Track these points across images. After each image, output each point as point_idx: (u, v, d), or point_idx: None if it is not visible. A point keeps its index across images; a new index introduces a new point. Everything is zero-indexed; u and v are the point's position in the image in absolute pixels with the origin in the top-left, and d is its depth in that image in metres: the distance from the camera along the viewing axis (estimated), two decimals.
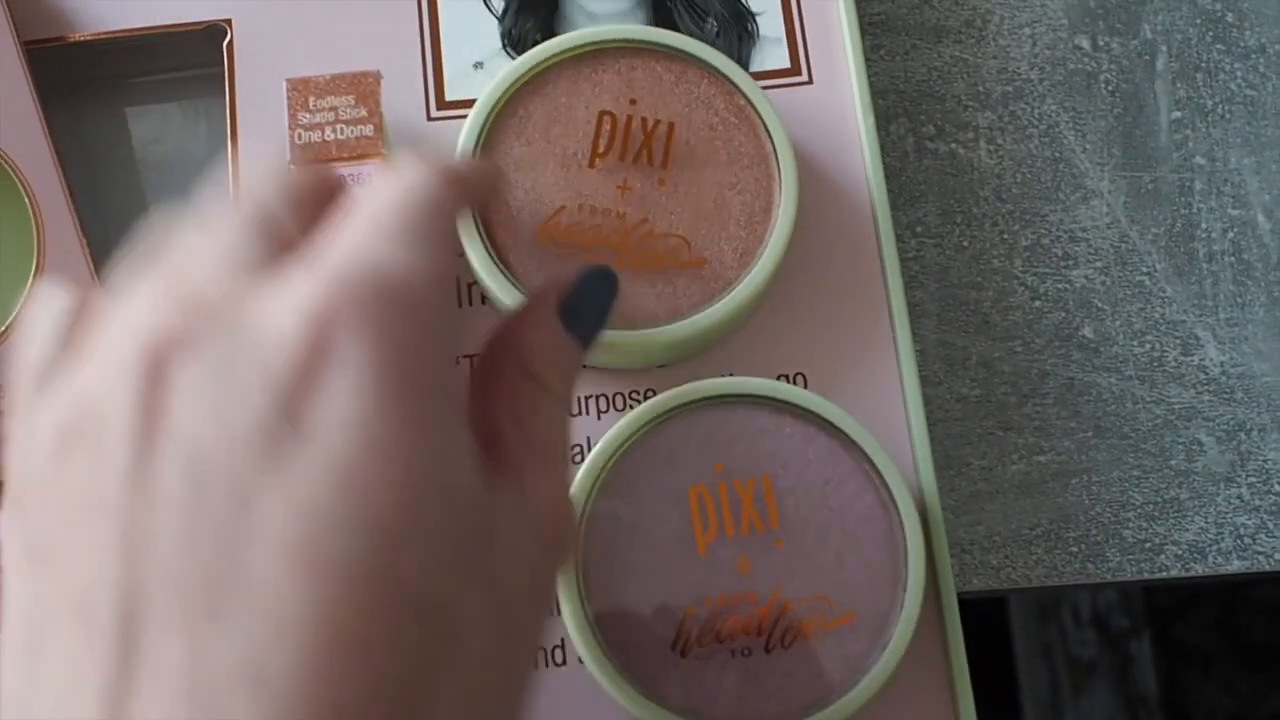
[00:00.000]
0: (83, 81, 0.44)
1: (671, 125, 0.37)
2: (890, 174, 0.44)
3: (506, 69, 0.38)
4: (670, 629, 0.34)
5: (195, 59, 0.43)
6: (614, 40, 0.38)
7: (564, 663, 0.36)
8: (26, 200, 0.39)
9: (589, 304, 0.30)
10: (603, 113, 0.37)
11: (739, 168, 0.37)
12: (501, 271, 0.36)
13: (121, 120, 0.45)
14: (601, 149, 0.37)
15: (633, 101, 0.37)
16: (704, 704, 0.34)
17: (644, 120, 0.37)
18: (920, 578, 0.34)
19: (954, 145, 0.45)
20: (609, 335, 0.34)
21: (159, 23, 0.43)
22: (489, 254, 0.36)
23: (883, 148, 0.43)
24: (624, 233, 0.36)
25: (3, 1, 0.41)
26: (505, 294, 0.36)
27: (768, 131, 0.38)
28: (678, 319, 0.36)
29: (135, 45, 0.43)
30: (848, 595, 0.34)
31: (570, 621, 0.34)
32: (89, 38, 0.43)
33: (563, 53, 0.38)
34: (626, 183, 0.36)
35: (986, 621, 0.91)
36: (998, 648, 0.90)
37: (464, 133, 0.37)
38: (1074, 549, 0.41)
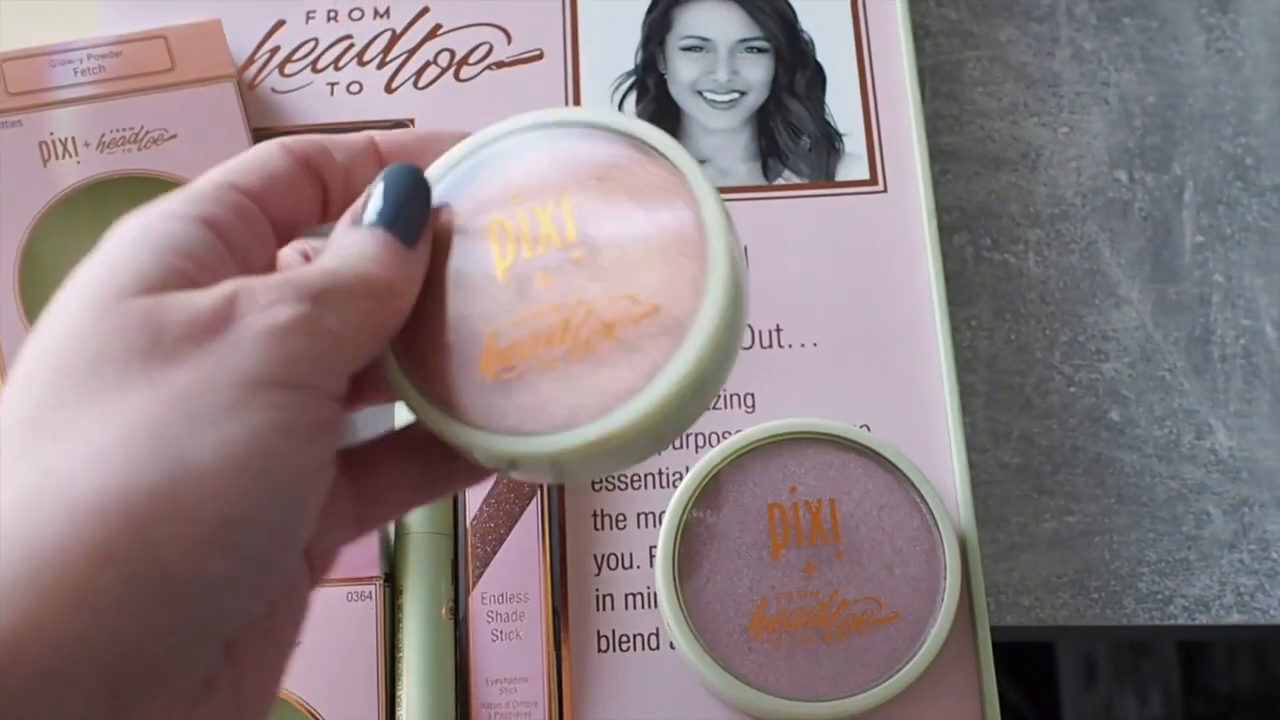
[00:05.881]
0: None
1: None
2: (951, 276, 0.52)
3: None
4: (746, 618, 0.42)
5: None
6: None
7: (658, 647, 0.44)
8: None
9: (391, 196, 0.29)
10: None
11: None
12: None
13: None
14: None
15: None
16: (772, 680, 0.41)
17: None
18: (956, 590, 0.42)
19: (1007, 255, 0.54)
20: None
21: (349, 119, 0.53)
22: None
23: (945, 255, 0.51)
24: None
25: (239, 96, 0.51)
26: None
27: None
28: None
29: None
30: (894, 599, 0.42)
31: (666, 610, 0.42)
32: (296, 127, 0.53)
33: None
34: None
35: None
36: None
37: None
38: (1095, 596, 0.48)
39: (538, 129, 0.31)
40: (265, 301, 0.25)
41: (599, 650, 0.44)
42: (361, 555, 0.44)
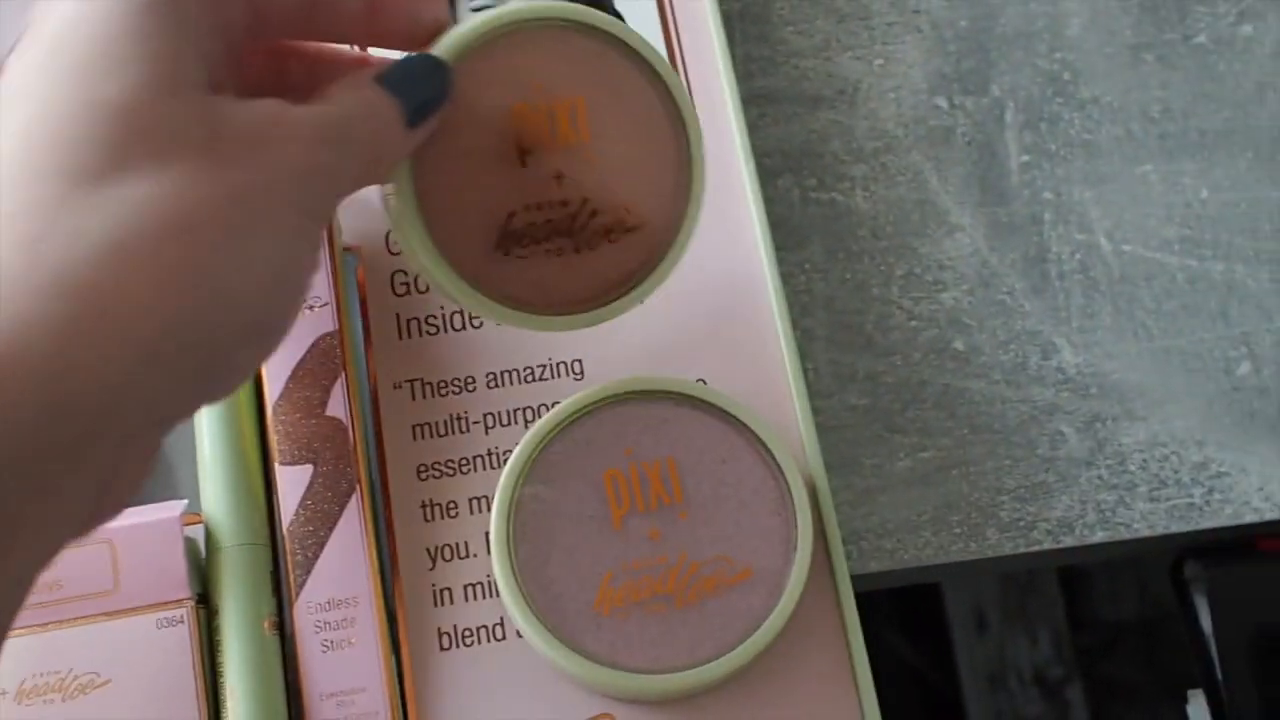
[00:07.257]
0: None
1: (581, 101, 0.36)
2: (779, 220, 0.50)
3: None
4: (592, 593, 0.39)
5: None
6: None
7: (504, 638, 0.41)
8: None
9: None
10: (516, 109, 0.36)
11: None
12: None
13: None
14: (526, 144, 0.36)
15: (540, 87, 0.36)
16: (625, 656, 0.39)
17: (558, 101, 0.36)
18: (809, 538, 0.40)
19: (834, 194, 0.52)
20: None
21: None
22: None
23: (771, 198, 0.49)
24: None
25: None
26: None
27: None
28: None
29: None
30: (745, 555, 0.39)
31: (506, 596, 0.39)
32: None
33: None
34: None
35: (942, 697, 0.94)
36: None
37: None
38: (957, 530, 0.46)
39: (555, 24, 0.35)
40: (308, 137, 0.28)
41: (441, 649, 0.41)
42: (167, 577, 0.40)
